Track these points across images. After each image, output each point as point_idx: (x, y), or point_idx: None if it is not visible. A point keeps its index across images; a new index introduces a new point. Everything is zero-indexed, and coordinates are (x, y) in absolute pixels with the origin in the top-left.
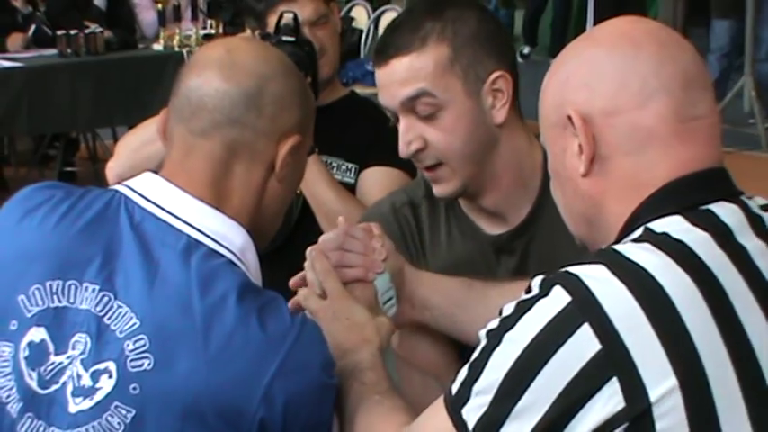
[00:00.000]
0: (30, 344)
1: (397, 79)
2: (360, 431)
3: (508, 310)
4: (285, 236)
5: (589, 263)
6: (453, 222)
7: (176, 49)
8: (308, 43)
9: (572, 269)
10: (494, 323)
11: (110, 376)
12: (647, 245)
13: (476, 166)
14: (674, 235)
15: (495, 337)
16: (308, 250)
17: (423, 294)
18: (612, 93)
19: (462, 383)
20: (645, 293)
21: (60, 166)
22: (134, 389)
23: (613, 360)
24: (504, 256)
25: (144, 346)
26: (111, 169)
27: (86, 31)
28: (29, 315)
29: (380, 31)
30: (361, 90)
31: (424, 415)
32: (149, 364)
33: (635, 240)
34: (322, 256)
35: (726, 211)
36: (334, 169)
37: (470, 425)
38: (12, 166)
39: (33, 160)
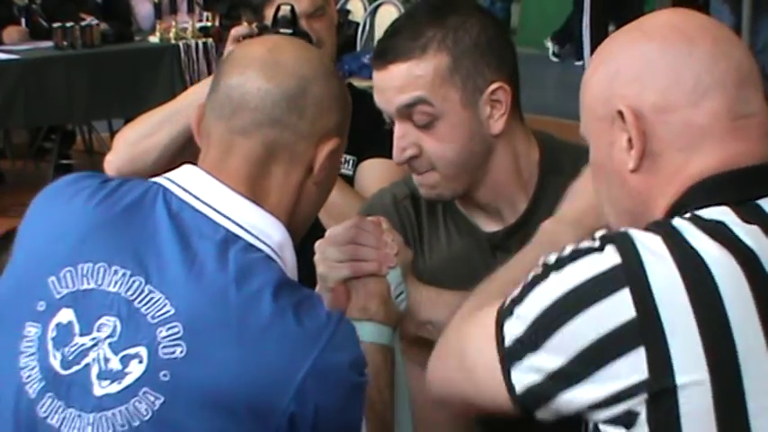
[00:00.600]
0: (58, 325)
1: (394, 85)
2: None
3: (566, 251)
4: None
5: (648, 230)
6: (450, 218)
7: (172, 41)
8: (305, 35)
9: (631, 231)
10: (552, 257)
11: (140, 361)
12: (704, 232)
13: (468, 174)
14: (730, 225)
15: (545, 272)
16: (317, 244)
17: (425, 313)
18: (665, 89)
19: (512, 300)
20: (694, 279)
21: (56, 158)
22: (164, 376)
23: (645, 331)
24: (500, 253)
25: (177, 333)
26: (110, 163)
27: (82, 23)
28: (58, 297)
29: (377, 24)
30: (357, 83)
31: (485, 310)
32: (182, 352)
33: (692, 222)
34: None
35: None
36: None
37: (506, 341)
38: (8, 159)
39: (29, 153)
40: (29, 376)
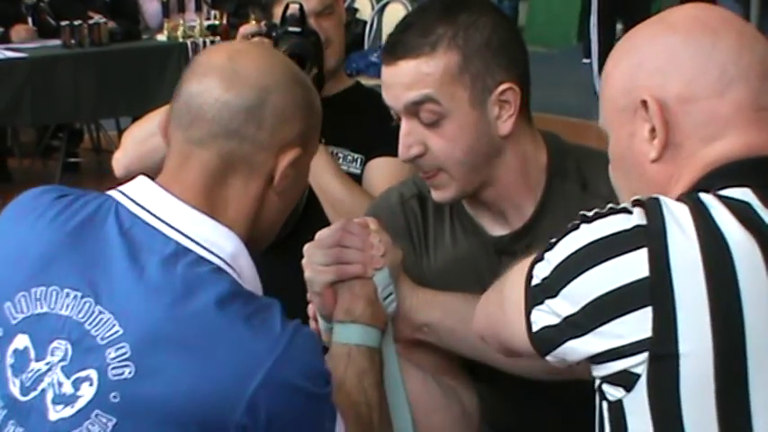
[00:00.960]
0: (15, 351)
1: (402, 81)
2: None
3: (604, 209)
4: (292, 225)
5: (680, 200)
6: (457, 220)
7: (180, 40)
8: (313, 34)
9: (662, 198)
10: (591, 212)
11: (90, 384)
12: (729, 211)
13: (475, 175)
14: (755, 207)
15: (579, 223)
16: (306, 247)
17: (421, 315)
18: (689, 80)
19: (548, 245)
20: (712, 255)
21: (64, 156)
22: (114, 397)
23: (655, 291)
24: (506, 257)
25: (125, 354)
26: (118, 160)
27: (90, 21)
28: (14, 322)
29: (384, 22)
30: (364, 81)
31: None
32: (130, 373)
33: (718, 198)
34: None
35: None
36: (341, 160)
37: (533, 282)
38: (15, 157)
39: (37, 151)
40: None
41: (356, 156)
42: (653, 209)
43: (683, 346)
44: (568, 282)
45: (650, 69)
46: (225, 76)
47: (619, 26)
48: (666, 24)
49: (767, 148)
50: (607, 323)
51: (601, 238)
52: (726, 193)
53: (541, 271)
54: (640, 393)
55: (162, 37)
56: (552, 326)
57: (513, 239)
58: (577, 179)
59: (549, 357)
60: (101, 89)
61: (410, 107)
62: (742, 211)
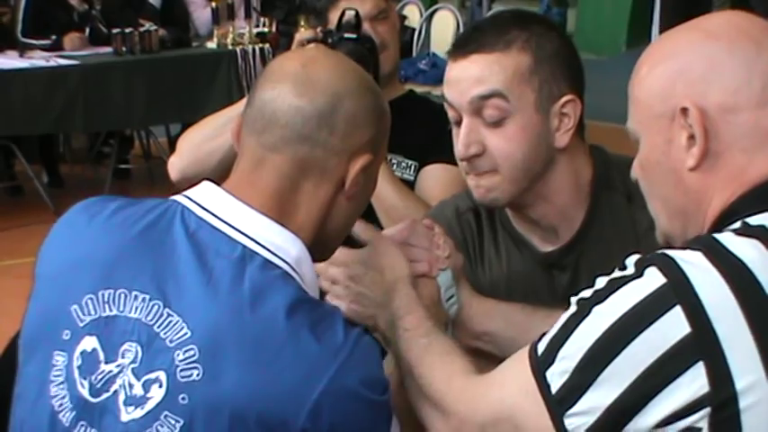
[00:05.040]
0: (82, 353)
1: (473, 75)
2: (419, 379)
3: (600, 283)
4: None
5: (686, 248)
6: (508, 235)
7: (230, 47)
8: (369, 40)
9: (669, 252)
10: (586, 293)
11: (160, 386)
12: (746, 238)
13: (528, 181)
14: None
15: (585, 308)
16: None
17: (481, 322)
18: (733, 89)
19: (549, 344)
20: (741, 285)
21: (114, 163)
22: (183, 399)
23: (702, 344)
24: (556, 271)
25: (194, 356)
26: (174, 165)
27: (141, 29)
28: (81, 324)
29: (433, 30)
30: (413, 89)
31: (506, 369)
32: (198, 375)
33: (734, 231)
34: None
35: None
36: (395, 166)
37: (554, 388)
38: (67, 164)
39: (88, 157)
40: (60, 405)
41: (410, 162)
42: (667, 264)
43: (740, 383)
44: (605, 367)
45: (692, 77)
46: (298, 83)
47: None
48: (706, 32)
49: None
50: (663, 390)
51: (628, 311)
52: (751, 219)
53: (559, 373)
54: None
55: (212, 44)
56: (598, 421)
57: (562, 253)
58: (623, 191)
59: None
60: (151, 96)
61: (476, 102)
62: (756, 234)
